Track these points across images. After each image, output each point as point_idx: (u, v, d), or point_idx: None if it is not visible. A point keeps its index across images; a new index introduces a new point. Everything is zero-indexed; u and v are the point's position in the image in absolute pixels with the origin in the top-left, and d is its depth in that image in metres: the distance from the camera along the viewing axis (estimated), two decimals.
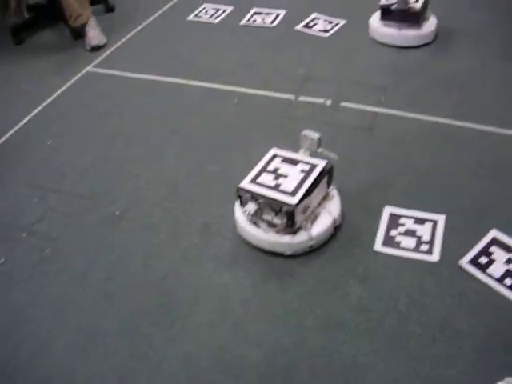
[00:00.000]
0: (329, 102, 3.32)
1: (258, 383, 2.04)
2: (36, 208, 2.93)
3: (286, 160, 2.53)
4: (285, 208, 2.33)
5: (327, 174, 2.47)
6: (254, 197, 2.39)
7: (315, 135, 2.51)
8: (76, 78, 3.99)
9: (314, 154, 2.54)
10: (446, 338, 2.14)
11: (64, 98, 3.80)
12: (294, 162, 2.51)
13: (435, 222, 2.58)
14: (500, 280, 2.34)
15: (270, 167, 2.51)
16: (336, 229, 2.53)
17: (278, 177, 2.45)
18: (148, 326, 2.29)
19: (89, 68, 4.09)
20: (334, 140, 2.87)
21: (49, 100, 3.80)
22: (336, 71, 3.62)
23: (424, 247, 2.48)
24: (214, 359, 2.13)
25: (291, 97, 3.41)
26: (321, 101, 3.35)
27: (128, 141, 3.28)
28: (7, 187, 3.09)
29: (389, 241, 2.52)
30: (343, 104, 3.29)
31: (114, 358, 2.20)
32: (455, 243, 2.44)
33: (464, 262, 2.40)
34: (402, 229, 2.56)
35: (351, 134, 3.07)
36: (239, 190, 2.43)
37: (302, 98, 3.37)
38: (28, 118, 3.65)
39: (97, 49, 4.28)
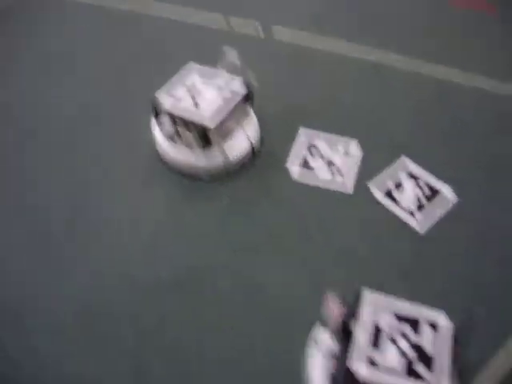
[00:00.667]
0: (260, 27, 3.29)
1: (165, 300, 2.10)
2: None
3: (204, 75, 2.52)
4: (200, 127, 2.33)
5: (246, 95, 2.44)
6: (170, 115, 2.38)
7: (234, 52, 2.47)
8: None
9: (232, 72, 2.52)
10: (346, 262, 2.25)
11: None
12: (212, 78, 2.50)
13: (350, 149, 2.63)
14: (406, 208, 2.43)
15: (188, 81, 2.49)
16: (254, 151, 2.55)
17: (194, 93, 2.43)
18: (58, 243, 2.34)
19: None
20: (258, 63, 2.81)
21: None
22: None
23: (336, 173, 2.55)
24: (123, 277, 2.18)
25: (221, 16, 3.39)
26: (251, 23, 3.31)
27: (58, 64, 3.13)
28: None
29: (304, 165, 2.57)
30: (274, 28, 3.29)
31: (27, 272, 2.25)
32: (367, 171, 2.50)
33: (373, 189, 2.47)
34: (317, 154, 2.61)
35: (276, 60, 3.08)
36: (154, 100, 2.42)
37: (232, 19, 3.36)
38: None
39: None
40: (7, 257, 2.24)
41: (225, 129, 2.39)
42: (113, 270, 2.18)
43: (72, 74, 3.01)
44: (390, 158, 2.56)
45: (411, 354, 1.58)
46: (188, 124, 2.35)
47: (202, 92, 2.41)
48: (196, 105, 2.37)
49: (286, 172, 2.52)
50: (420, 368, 1.53)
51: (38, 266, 2.21)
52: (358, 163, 2.55)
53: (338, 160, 2.58)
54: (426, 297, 1.95)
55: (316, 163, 2.56)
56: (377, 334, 1.61)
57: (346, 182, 2.49)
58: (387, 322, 1.65)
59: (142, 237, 2.28)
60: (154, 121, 2.52)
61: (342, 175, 2.51)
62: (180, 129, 2.39)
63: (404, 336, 1.62)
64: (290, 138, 2.66)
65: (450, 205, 2.40)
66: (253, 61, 2.63)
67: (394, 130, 2.68)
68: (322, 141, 2.65)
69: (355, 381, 1.55)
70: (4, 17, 3.33)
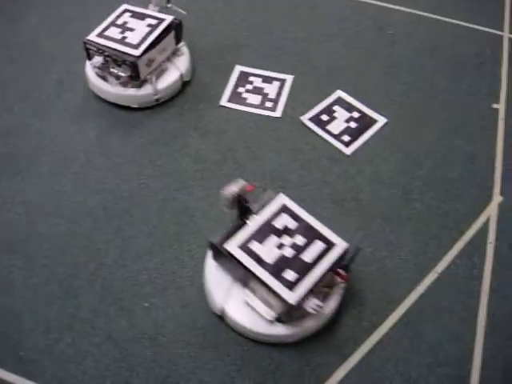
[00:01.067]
0: None
1: (92, 227, 2.15)
2: None
3: (134, 15, 2.52)
4: (128, 60, 2.34)
5: (175, 29, 2.47)
6: (100, 49, 2.39)
7: None
8: None
9: (163, 11, 2.54)
10: (276, 188, 2.23)
11: None
12: (143, 17, 2.51)
13: (283, 81, 2.65)
14: (338, 136, 2.45)
15: (119, 21, 2.50)
16: (184, 84, 2.58)
17: (124, 30, 2.44)
18: None
19: None
20: (194, 2, 2.92)
21: None
22: None
23: (269, 104, 2.56)
24: (53, 205, 2.21)
25: None
26: None
27: None
28: None
29: (235, 97, 2.58)
30: None
31: None
32: (300, 102, 2.54)
33: (305, 118, 2.49)
34: (249, 86, 2.62)
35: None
36: (86, 42, 2.42)
37: None
38: None
39: None
40: None
41: (152, 58, 2.42)
42: (45, 201, 2.21)
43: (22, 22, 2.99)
44: (325, 92, 2.62)
45: (288, 255, 1.67)
46: (116, 59, 2.37)
47: (132, 28, 2.44)
48: (123, 38, 2.39)
49: (217, 105, 2.55)
50: (289, 272, 1.64)
51: None
52: (291, 95, 2.59)
53: (270, 90, 2.59)
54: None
55: (248, 94, 2.57)
56: (267, 229, 1.71)
57: (275, 108, 2.54)
58: (284, 223, 1.73)
59: (72, 169, 2.31)
60: (87, 62, 2.54)
61: (272, 101, 2.54)
62: (111, 65, 2.43)
63: (292, 240, 1.72)
64: (223, 70, 2.70)
65: (379, 128, 2.48)
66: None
67: (330, 61, 2.74)
68: (257, 77, 2.68)
69: (220, 252, 1.70)
70: None
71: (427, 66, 2.72)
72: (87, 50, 2.43)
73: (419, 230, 2.15)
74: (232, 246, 1.73)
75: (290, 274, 1.68)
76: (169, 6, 2.52)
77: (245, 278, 1.76)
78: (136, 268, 2.03)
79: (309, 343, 1.87)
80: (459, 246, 2.12)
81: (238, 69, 2.68)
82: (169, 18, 2.47)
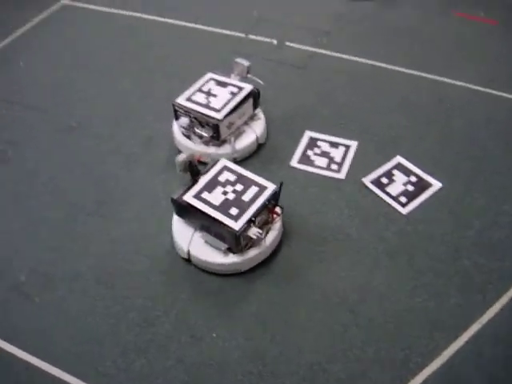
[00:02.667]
0: (275, 42, 3.63)
1: (171, 265, 2.44)
2: (2, 118, 3.26)
3: (218, 83, 2.84)
4: (211, 122, 2.65)
5: (253, 96, 2.77)
6: (187, 111, 2.72)
7: (246, 62, 2.82)
8: (51, 9, 4.29)
9: (243, 80, 2.85)
10: (336, 240, 2.49)
11: (38, 27, 4.09)
12: (225, 85, 2.82)
13: (348, 147, 2.90)
14: (396, 197, 2.67)
15: (204, 88, 2.82)
16: (259, 146, 2.86)
17: (209, 96, 2.76)
18: (84, 216, 2.65)
19: (64, 1, 4.38)
20: (272, 73, 3.24)
21: (23, 28, 4.08)
22: (286, 16, 3.92)
23: (334, 166, 2.81)
24: (137, 245, 2.52)
25: (241, 35, 3.71)
26: (268, 40, 3.65)
27: (91, 66, 3.62)
28: None
29: (304, 159, 2.85)
30: (288, 44, 3.61)
31: (54, 237, 2.60)
32: (362, 166, 2.78)
33: (367, 180, 2.71)
34: (317, 150, 2.89)
35: (289, 70, 3.40)
36: (175, 105, 2.75)
37: (251, 37, 3.68)
38: (3, 43, 3.95)
39: None
40: (42, 230, 2.61)
41: (233, 122, 2.72)
42: (130, 240, 2.52)
43: (116, 84, 3.40)
44: (385, 157, 2.85)
45: (231, 198, 2.17)
46: (201, 120, 2.68)
47: (216, 94, 2.76)
48: (208, 102, 2.72)
49: (287, 165, 2.82)
50: (233, 209, 2.15)
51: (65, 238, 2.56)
52: (355, 159, 2.83)
53: (336, 154, 2.87)
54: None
55: (316, 157, 2.86)
56: (213, 183, 2.24)
57: (340, 170, 2.79)
58: (226, 177, 2.26)
59: (155, 214, 2.63)
60: (174, 122, 2.88)
61: (337, 164, 2.80)
62: (196, 126, 2.75)
63: (233, 187, 2.24)
64: (294, 135, 2.98)
65: (434, 191, 2.67)
66: (267, 68, 3.08)
67: (392, 130, 2.98)
68: (324, 142, 2.95)
69: (183, 206, 2.23)
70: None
71: (481, 137, 2.92)
72: (176, 111, 2.76)
73: (466, 284, 2.32)
74: (188, 197, 2.27)
75: (233, 210, 2.22)
76: (248, 76, 2.83)
77: (202, 222, 2.28)
78: (207, 304, 2.30)
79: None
80: (504, 300, 2.27)
81: (308, 134, 2.97)
82: (248, 87, 2.78)
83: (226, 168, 2.40)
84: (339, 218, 2.57)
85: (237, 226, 2.16)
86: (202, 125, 2.69)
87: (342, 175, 2.76)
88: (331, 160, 2.84)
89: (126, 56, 3.62)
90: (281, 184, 2.28)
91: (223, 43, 3.64)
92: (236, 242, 2.20)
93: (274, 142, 2.92)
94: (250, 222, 2.20)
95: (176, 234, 2.38)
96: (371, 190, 2.68)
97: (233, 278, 2.34)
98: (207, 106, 2.70)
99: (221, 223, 2.18)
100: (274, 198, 2.30)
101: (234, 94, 2.75)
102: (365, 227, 2.52)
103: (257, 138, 2.82)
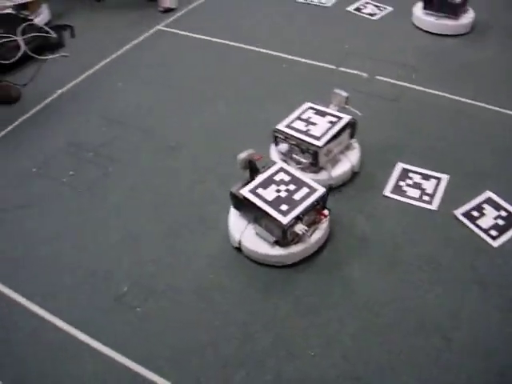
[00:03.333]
0: (365, 75, 3.74)
1: (265, 282, 2.57)
2: (104, 135, 3.44)
3: (317, 112, 2.96)
4: (311, 149, 2.76)
5: (351, 126, 2.88)
6: (287, 138, 2.83)
7: (344, 93, 2.93)
8: (147, 34, 4.52)
9: (341, 110, 2.95)
10: (429, 269, 2.55)
11: (135, 49, 4.32)
12: (324, 114, 2.94)
13: (439, 180, 2.98)
14: (486, 230, 2.72)
15: (304, 116, 2.94)
16: (354, 175, 2.96)
17: (308, 124, 2.87)
18: (186, 232, 2.79)
19: (159, 27, 4.61)
20: (364, 104, 3.26)
21: (121, 50, 4.32)
22: (377, 50, 4.05)
23: (426, 198, 2.88)
24: (232, 257, 2.61)
25: (333, 67, 3.85)
26: (358, 73, 3.77)
27: (186, 89, 3.77)
28: (83, 117, 3.63)
29: (397, 189, 2.94)
30: (378, 77, 3.72)
31: (155, 251, 2.72)
32: (453, 198, 2.84)
33: (458, 212, 2.78)
34: (409, 181, 2.97)
35: (380, 102, 3.51)
36: (275, 130, 2.87)
37: (342, 69, 3.80)
38: (103, 63, 4.19)
39: (168, 10, 4.80)
40: (143, 243, 2.74)
41: (330, 150, 2.81)
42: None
43: (213, 109, 3.57)
44: (476, 191, 2.90)
45: (283, 196, 2.37)
46: (301, 147, 2.79)
47: (315, 122, 2.87)
48: (308, 130, 2.83)
49: (380, 194, 2.91)
50: (283, 206, 2.33)
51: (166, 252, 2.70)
52: (446, 192, 2.90)
53: (427, 186, 2.94)
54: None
55: (408, 188, 2.94)
56: (269, 181, 2.45)
57: (431, 201, 2.85)
58: (281, 177, 2.47)
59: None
60: (271, 147, 3.01)
61: (428, 196, 2.87)
62: (294, 152, 2.86)
63: (286, 187, 2.44)
64: (387, 165, 3.07)
65: None
66: (359, 100, 3.14)
67: (481, 165, 3.04)
68: (416, 174, 3.02)
69: (239, 199, 2.51)
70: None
71: None
72: (275, 137, 2.88)
73: None
74: (245, 191, 2.49)
75: (283, 207, 2.42)
76: (347, 107, 2.94)
77: (254, 215, 2.49)
78: (304, 324, 2.38)
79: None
80: None
81: (400, 165, 3.05)
82: (346, 117, 2.88)
83: (282, 169, 2.61)
84: (431, 247, 2.63)
85: (285, 220, 2.37)
86: (301, 151, 2.79)
87: (433, 206, 2.83)
88: (423, 191, 2.91)
89: (219, 81, 3.80)
90: (330, 188, 2.49)
91: (316, 74, 3.80)
92: (283, 235, 2.39)
93: (367, 172, 3.01)
94: (298, 218, 2.39)
95: (231, 225, 2.62)
96: (462, 222, 2.74)
97: (329, 296, 2.45)
98: (307, 134, 2.81)
99: (271, 217, 2.38)
100: (323, 200, 2.49)
101: (332, 123, 2.86)
102: (455, 257, 2.59)
103: (352, 167, 2.92)
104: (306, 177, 2.68)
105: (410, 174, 3.01)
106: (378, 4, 4.60)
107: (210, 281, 2.54)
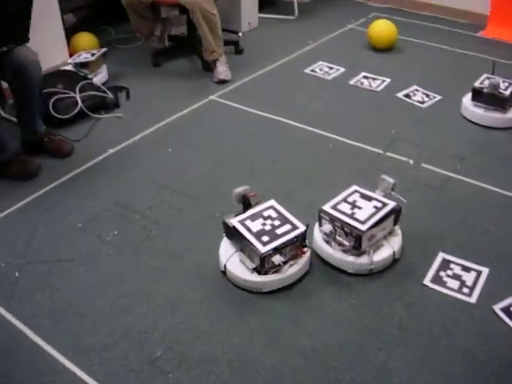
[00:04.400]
0: (411, 162, 3.80)
1: (302, 365, 2.55)
2: (151, 199, 3.52)
3: (363, 196, 3.01)
4: (355, 232, 2.79)
5: (395, 213, 2.92)
6: (332, 219, 2.88)
7: (391, 180, 2.99)
8: (200, 103, 4.66)
9: (387, 196, 3.01)
10: (465, 363, 2.52)
11: (187, 117, 4.46)
12: (370, 199, 2.99)
13: (480, 273, 2.98)
14: None
15: (349, 199, 2.99)
16: (394, 261, 2.99)
17: (354, 207, 2.92)
18: (225, 303, 2.80)
19: (213, 97, 4.75)
20: (409, 191, 3.38)
21: (174, 116, 4.48)
22: (424, 137, 4.12)
23: (465, 290, 2.88)
24: (273, 340, 2.68)
25: (379, 151, 3.93)
26: (404, 159, 3.83)
27: (234, 161, 3.87)
28: (132, 179, 3.73)
29: (436, 279, 2.95)
30: (423, 165, 3.78)
31: (193, 318, 2.75)
32: (493, 292, 2.83)
33: (497, 307, 2.78)
34: (449, 272, 2.98)
35: (424, 190, 3.56)
36: (320, 211, 2.93)
37: (388, 154, 3.88)
38: (155, 127, 4.35)
39: (222, 82, 4.93)
40: (182, 309, 2.80)
41: (374, 235, 2.83)
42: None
43: (260, 182, 3.58)
44: None
45: (267, 229, 2.79)
46: (345, 229, 2.83)
47: (360, 206, 2.92)
48: (352, 213, 2.87)
49: (420, 282, 2.91)
50: (265, 237, 2.74)
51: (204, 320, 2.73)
52: (485, 286, 2.89)
53: (467, 278, 2.94)
54: None
55: (448, 278, 2.95)
56: (258, 215, 2.90)
57: (471, 294, 2.85)
58: (269, 213, 2.92)
59: (294, 305, 2.72)
60: (316, 227, 3.05)
61: (468, 288, 2.86)
62: (337, 234, 2.90)
63: (272, 222, 2.86)
64: (428, 253, 3.08)
65: None
66: (403, 186, 3.20)
67: None
68: (456, 265, 3.03)
69: (229, 227, 2.85)
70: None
71: None
72: (320, 217, 2.92)
73: None
74: (234, 221, 2.79)
75: (265, 238, 2.71)
76: (393, 193, 2.99)
77: (240, 243, 2.76)
78: None
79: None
80: None
81: (441, 255, 3.06)
82: (391, 204, 2.92)
83: (272, 207, 2.92)
84: (468, 341, 2.62)
85: (263, 249, 2.63)
86: (345, 234, 2.82)
87: (472, 299, 2.82)
88: (463, 283, 2.91)
89: (267, 155, 3.93)
90: (307, 226, 2.76)
91: (362, 156, 3.88)
92: (261, 262, 2.62)
93: (408, 259, 3.03)
94: (276, 249, 2.63)
95: (221, 251, 2.88)
96: (501, 318, 2.73)
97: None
98: (352, 217, 2.85)
99: (252, 245, 2.64)
100: (302, 237, 2.74)
101: (377, 209, 2.90)
102: (492, 353, 2.57)
103: (393, 253, 2.94)
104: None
105: (451, 265, 3.02)
106: (428, 92, 4.69)
107: (245, 354, 2.53)
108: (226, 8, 5.43)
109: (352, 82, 4.96)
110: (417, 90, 4.78)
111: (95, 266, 3.02)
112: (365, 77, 5.05)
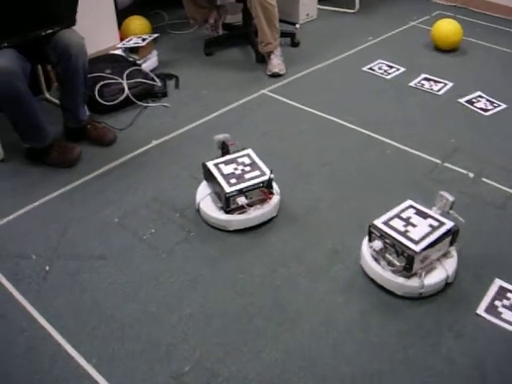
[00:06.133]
0: (471, 175, 3.57)
1: None
2: (191, 196, 3.34)
3: (418, 212, 2.81)
4: (407, 252, 2.61)
5: (452, 234, 2.72)
6: (383, 236, 2.68)
7: (450, 198, 2.78)
8: (252, 96, 4.50)
9: (444, 214, 2.80)
10: None
11: (237, 111, 4.30)
12: (425, 216, 2.78)
13: None
14: None
15: (403, 215, 2.79)
16: (447, 285, 2.78)
17: (407, 224, 2.73)
18: (261, 319, 2.65)
19: (264, 91, 4.58)
20: (466, 208, 3.15)
21: (223, 109, 4.32)
22: (486, 148, 3.87)
23: None
24: (307, 362, 2.49)
25: (437, 161, 3.69)
26: (464, 172, 3.60)
27: (282, 161, 3.69)
28: (174, 172, 3.60)
29: (491, 309, 2.72)
30: (484, 179, 3.53)
31: (225, 334, 2.61)
32: None
33: None
34: (506, 302, 2.75)
35: (484, 208, 3.31)
36: (371, 226, 2.74)
37: (446, 165, 3.65)
38: (203, 120, 4.21)
39: (276, 76, 4.75)
40: (214, 323, 2.66)
41: (427, 256, 2.64)
42: (301, 355, 2.50)
43: (307, 186, 3.49)
44: None
45: (237, 173, 3.17)
46: (396, 248, 2.64)
47: (415, 224, 2.72)
48: (406, 231, 2.67)
49: (473, 312, 2.71)
50: (233, 180, 3.09)
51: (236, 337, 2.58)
52: None
53: None
54: None
55: (504, 309, 2.72)
56: (232, 160, 3.29)
57: None
58: (243, 160, 3.32)
59: (330, 333, 2.60)
60: (364, 241, 2.87)
61: None
62: (388, 252, 2.70)
63: (243, 167, 3.23)
64: (483, 279, 2.86)
65: None
66: (461, 202, 2.98)
67: None
68: None
69: (205, 169, 3.17)
70: None
71: None
72: (370, 232, 2.73)
73: None
74: (210, 164, 3.13)
75: (233, 180, 3.00)
76: (451, 212, 2.78)
77: (213, 185, 3.08)
78: None
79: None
80: None
81: (498, 282, 2.84)
82: (449, 224, 2.71)
83: (247, 155, 3.23)
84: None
85: (228, 189, 2.93)
86: (396, 253, 2.64)
87: None
88: None
89: (316, 157, 3.79)
90: (271, 171, 3.05)
91: (419, 165, 3.68)
92: (226, 202, 2.93)
93: (461, 284, 2.82)
94: (241, 192, 2.94)
95: (198, 192, 3.19)
96: None
97: None
98: (405, 235, 2.67)
99: (220, 185, 2.94)
100: (268, 184, 3.03)
101: (433, 228, 2.70)
102: None
103: (447, 277, 2.74)
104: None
105: (508, 294, 2.78)
106: (492, 99, 4.41)
107: (278, 376, 2.39)
108: None
109: (412, 84, 4.72)
110: (480, 97, 4.51)
111: (127, 266, 2.90)
112: (426, 78, 4.81)
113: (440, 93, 4.61)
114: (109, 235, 3.11)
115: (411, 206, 2.85)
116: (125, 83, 4.20)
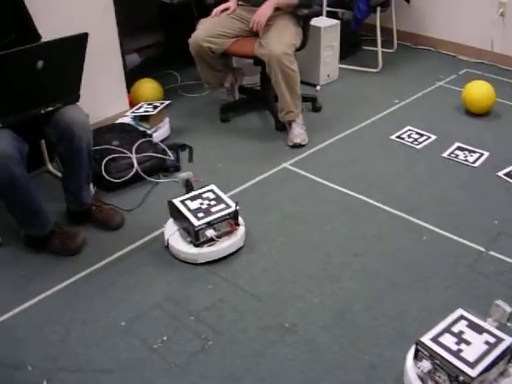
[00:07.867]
0: None
1: None
2: (209, 295, 3.01)
3: (471, 325, 2.46)
4: (462, 377, 2.25)
5: (511, 352, 2.34)
6: (432, 356, 2.34)
7: (508, 308, 2.42)
8: (272, 171, 4.13)
9: (501, 326, 2.45)
10: None
11: (255, 188, 3.96)
12: (480, 331, 2.42)
13: None
14: None
15: (455, 329, 2.45)
16: None
17: (460, 341, 2.38)
18: None
19: (286, 164, 4.21)
20: None
21: (240, 188, 3.98)
22: None
23: None
24: None
25: (481, 248, 3.28)
26: (511, 261, 3.15)
27: (308, 252, 3.34)
28: (189, 267, 3.23)
29: None
30: None
31: None
32: None
33: None
34: None
35: None
36: (418, 344, 2.39)
37: (492, 253, 3.24)
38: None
39: (298, 146, 4.37)
40: None
41: (483, 380, 2.33)
42: None
43: (337, 282, 3.16)
44: None
45: (203, 207, 3.30)
46: (448, 371, 2.33)
47: (468, 341, 2.39)
48: (459, 350, 2.34)
49: None
50: (200, 214, 3.27)
51: None
52: None
53: None
54: None
55: None
56: (198, 197, 3.39)
57: None
58: (208, 195, 3.46)
59: None
60: (409, 357, 2.55)
61: None
62: (438, 374, 2.40)
63: (209, 202, 3.40)
64: None
65: None
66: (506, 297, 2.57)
67: None
68: None
69: (172, 206, 3.31)
70: None
71: None
72: (417, 350, 2.38)
73: None
74: (176, 201, 3.24)
75: (200, 215, 3.15)
76: (509, 324, 2.43)
77: (180, 220, 3.18)
78: None
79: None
80: None
81: None
82: (508, 340, 2.37)
83: (211, 190, 3.37)
84: None
85: (197, 223, 3.06)
86: (448, 376, 2.31)
87: None
88: None
89: (345, 246, 3.44)
90: (236, 203, 3.14)
91: (461, 254, 3.29)
92: (195, 235, 3.03)
93: None
94: (210, 224, 3.06)
95: (166, 229, 3.25)
96: None
97: None
98: (457, 356, 2.31)
99: (188, 220, 3.06)
100: (234, 215, 3.15)
101: (490, 346, 2.34)
102: None
103: None
104: None
105: None
106: None
107: None
108: (303, 58, 4.83)
109: (445, 154, 4.31)
110: None
111: (136, 382, 2.52)
112: (459, 148, 4.40)
113: (476, 164, 4.20)
114: (115, 342, 2.74)
115: (463, 317, 2.48)
116: (134, 158, 3.87)
